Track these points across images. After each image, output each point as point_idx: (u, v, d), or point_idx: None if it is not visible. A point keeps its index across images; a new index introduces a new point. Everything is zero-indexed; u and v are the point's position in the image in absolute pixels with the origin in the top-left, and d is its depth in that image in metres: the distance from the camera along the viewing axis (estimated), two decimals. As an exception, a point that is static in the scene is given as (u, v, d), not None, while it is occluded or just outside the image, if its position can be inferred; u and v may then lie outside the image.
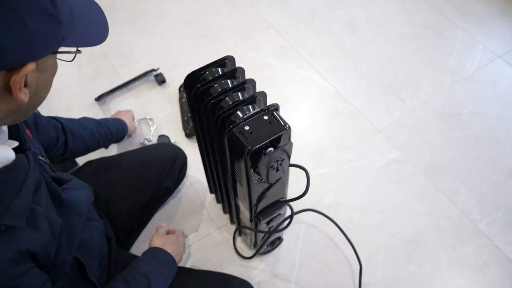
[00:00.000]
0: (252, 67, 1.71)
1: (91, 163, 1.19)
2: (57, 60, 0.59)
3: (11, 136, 0.65)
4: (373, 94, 1.64)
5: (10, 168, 0.55)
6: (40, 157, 0.71)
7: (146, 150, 1.29)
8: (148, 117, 1.58)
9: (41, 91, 0.57)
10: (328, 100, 1.63)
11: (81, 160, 1.32)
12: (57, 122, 1.07)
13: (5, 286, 0.53)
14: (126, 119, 1.41)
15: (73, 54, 0.60)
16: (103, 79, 1.70)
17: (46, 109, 1.51)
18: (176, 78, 1.69)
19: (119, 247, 1.06)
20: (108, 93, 1.62)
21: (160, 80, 1.66)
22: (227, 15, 1.94)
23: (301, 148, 1.48)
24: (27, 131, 0.78)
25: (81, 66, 1.75)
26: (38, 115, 1.00)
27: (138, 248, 1.25)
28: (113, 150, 1.48)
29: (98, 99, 1.61)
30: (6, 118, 0.56)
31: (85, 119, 1.21)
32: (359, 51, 1.78)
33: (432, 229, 1.31)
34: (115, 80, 1.69)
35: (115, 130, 1.30)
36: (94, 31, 0.61)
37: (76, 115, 1.54)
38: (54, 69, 0.58)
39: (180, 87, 1.64)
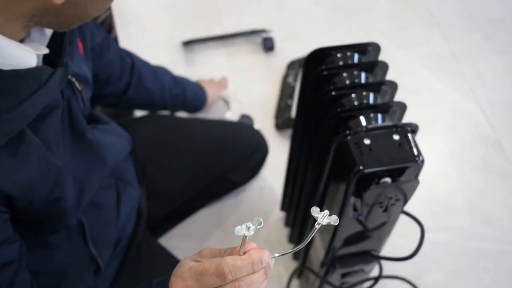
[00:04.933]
0: (393, 67, 1.68)
1: (154, 117, 1.26)
2: None
3: (52, 44, 0.67)
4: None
5: (19, 73, 0.57)
6: (72, 79, 0.73)
7: (223, 126, 1.33)
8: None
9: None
10: (480, 147, 1.56)
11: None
12: (129, 58, 1.14)
13: None
14: (211, 90, 1.45)
15: None
16: (200, 21, 1.80)
17: (121, 37, 1.63)
18: (289, 50, 1.73)
19: (148, 230, 1.11)
20: (200, 40, 1.70)
21: (268, 46, 1.71)
22: (383, -9, 1.94)
23: (422, 195, 1.43)
24: (80, 45, 0.82)
25: (180, -2, 1.87)
26: (108, 41, 1.06)
27: (169, 242, 1.30)
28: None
29: (187, 44, 1.70)
30: (41, 17, 0.57)
31: (161, 70, 1.27)
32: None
33: None
34: (213, 28, 1.77)
35: (191, 96, 1.34)
36: None
37: (154, 55, 1.63)
38: None
39: (291, 62, 1.68)
